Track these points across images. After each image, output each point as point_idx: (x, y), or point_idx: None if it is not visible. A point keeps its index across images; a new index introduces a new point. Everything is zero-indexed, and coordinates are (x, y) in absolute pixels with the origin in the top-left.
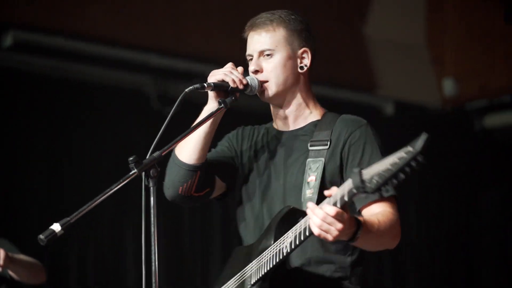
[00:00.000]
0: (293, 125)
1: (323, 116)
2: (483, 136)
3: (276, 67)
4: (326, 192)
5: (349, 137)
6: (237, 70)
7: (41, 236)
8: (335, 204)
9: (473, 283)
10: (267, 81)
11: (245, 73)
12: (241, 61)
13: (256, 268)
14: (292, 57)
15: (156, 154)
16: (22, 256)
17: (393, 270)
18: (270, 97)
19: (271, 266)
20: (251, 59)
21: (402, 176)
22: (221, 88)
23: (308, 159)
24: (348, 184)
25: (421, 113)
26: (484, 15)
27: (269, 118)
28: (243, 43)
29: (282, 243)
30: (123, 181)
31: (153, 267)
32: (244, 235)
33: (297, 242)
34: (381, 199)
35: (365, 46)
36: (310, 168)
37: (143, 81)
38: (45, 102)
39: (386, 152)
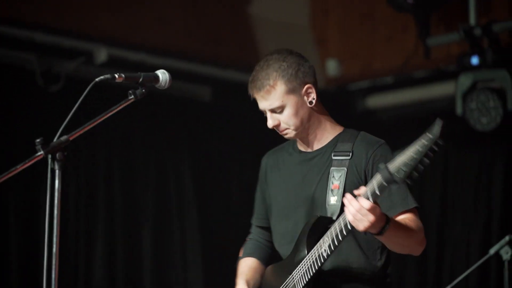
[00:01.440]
0: (316, 146)
1: (342, 132)
2: (365, 116)
3: (290, 117)
4: (356, 192)
5: (372, 154)
6: None
7: None
8: (368, 199)
9: None
10: (287, 129)
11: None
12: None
13: (298, 278)
14: (300, 100)
15: (63, 138)
16: None
17: None
18: (294, 137)
19: (314, 271)
20: (264, 114)
21: (426, 161)
22: (133, 79)
23: (332, 168)
24: (377, 179)
25: None
26: None
27: None
28: (127, 18)
29: (320, 248)
30: (28, 162)
31: (54, 249)
32: (281, 253)
33: (336, 243)
34: (407, 210)
35: (250, 26)
36: (333, 176)
37: (28, 58)
38: None
39: None
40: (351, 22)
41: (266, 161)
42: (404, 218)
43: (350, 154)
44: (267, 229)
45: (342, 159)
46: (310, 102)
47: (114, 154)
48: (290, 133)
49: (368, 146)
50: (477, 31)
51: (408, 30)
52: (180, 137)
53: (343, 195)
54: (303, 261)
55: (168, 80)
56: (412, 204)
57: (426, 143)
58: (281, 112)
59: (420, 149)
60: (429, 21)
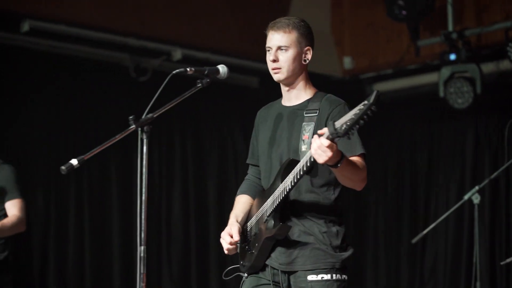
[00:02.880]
0: (294, 101)
1: (314, 95)
2: None
3: (289, 59)
4: (319, 131)
5: (332, 111)
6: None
7: (63, 167)
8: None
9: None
10: (280, 68)
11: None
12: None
13: (270, 204)
14: (300, 53)
15: (149, 115)
16: (4, 220)
17: None
18: (282, 79)
19: (279, 200)
20: (269, 50)
21: (362, 122)
22: (200, 72)
23: (303, 123)
24: (325, 133)
25: (328, 81)
26: (371, 9)
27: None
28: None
29: (285, 183)
30: (124, 133)
31: (143, 197)
32: (264, 185)
33: (296, 180)
34: (356, 155)
35: None
36: (304, 129)
37: (123, 57)
38: (50, 74)
39: None
40: (361, 28)
41: (259, 114)
42: (353, 159)
43: (317, 111)
44: (258, 166)
45: (311, 116)
46: (305, 61)
47: (187, 128)
48: (280, 74)
49: (330, 104)
50: (454, 35)
51: (403, 34)
52: (235, 116)
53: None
54: (274, 192)
55: (226, 72)
56: (360, 150)
57: (362, 107)
58: (285, 51)
59: (358, 112)
60: (418, 28)
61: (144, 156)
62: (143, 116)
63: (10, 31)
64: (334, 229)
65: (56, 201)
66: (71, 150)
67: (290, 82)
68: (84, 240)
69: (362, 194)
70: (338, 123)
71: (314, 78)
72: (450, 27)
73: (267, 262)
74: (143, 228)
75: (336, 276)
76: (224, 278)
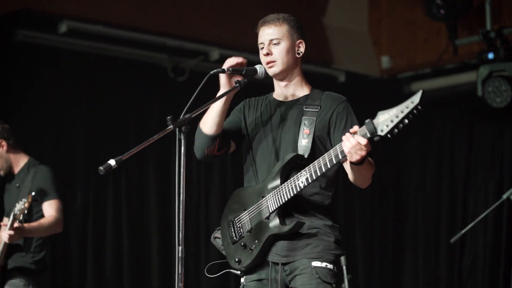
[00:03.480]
0: (290, 97)
1: (311, 91)
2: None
3: (282, 51)
4: (352, 130)
5: (336, 108)
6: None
7: (101, 168)
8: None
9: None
10: (274, 61)
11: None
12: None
13: (272, 201)
14: (292, 46)
15: (187, 115)
16: (41, 221)
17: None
18: (276, 73)
19: (289, 197)
20: (263, 47)
21: (406, 121)
22: (237, 72)
23: (303, 117)
24: (362, 131)
25: (366, 81)
26: (409, 8)
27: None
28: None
29: (295, 180)
30: (162, 133)
31: (181, 196)
32: (249, 181)
33: (314, 177)
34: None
35: (324, 32)
36: (305, 124)
37: (161, 57)
38: (88, 75)
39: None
40: (399, 28)
41: (246, 101)
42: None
43: (319, 107)
44: (226, 132)
45: (312, 111)
46: (298, 54)
47: None
48: (275, 67)
49: (333, 101)
50: (492, 34)
51: (441, 33)
52: None
53: (313, 139)
54: (277, 188)
55: (264, 73)
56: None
57: (409, 106)
58: (277, 44)
59: (403, 111)
60: (457, 27)
61: (182, 157)
62: (181, 117)
63: (48, 32)
64: (336, 225)
65: (95, 202)
66: (109, 150)
67: (285, 75)
68: (122, 240)
69: (401, 194)
70: (377, 122)
71: (351, 77)
72: (488, 26)
73: (268, 258)
74: (181, 228)
75: (334, 268)
76: (208, 274)
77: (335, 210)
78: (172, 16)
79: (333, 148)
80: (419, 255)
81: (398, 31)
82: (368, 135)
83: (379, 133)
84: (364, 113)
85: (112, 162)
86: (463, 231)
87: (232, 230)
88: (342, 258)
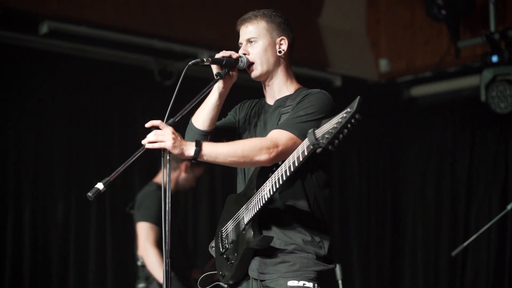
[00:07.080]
0: (278, 98)
1: (295, 91)
2: (409, 102)
3: (259, 50)
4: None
5: (299, 101)
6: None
7: (89, 194)
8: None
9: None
10: (253, 63)
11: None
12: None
13: (246, 212)
14: (272, 44)
15: (170, 120)
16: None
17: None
18: (258, 75)
19: (257, 209)
20: (240, 47)
21: (345, 131)
22: (217, 62)
23: (280, 120)
24: (305, 142)
25: (363, 85)
26: (408, 8)
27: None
28: (223, 29)
29: (262, 190)
30: (139, 151)
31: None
32: (238, 184)
33: (275, 188)
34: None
35: (320, 33)
36: None
37: (148, 60)
38: (71, 78)
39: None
40: (397, 29)
41: (242, 103)
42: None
43: (293, 108)
44: (219, 130)
45: (287, 112)
46: (279, 52)
47: None
48: (256, 70)
49: (302, 95)
50: (496, 36)
51: (442, 35)
52: None
53: None
54: (251, 198)
55: (246, 62)
56: (288, 128)
57: (345, 115)
58: (254, 44)
59: (341, 120)
60: (459, 28)
61: (168, 164)
62: (164, 120)
63: (28, 33)
64: (317, 238)
65: (76, 211)
66: (93, 156)
67: (267, 76)
68: (106, 251)
69: (399, 204)
70: (318, 132)
71: (348, 82)
72: (492, 27)
73: (249, 273)
74: (167, 241)
75: (315, 286)
76: (200, 287)
77: (317, 223)
78: (159, 17)
79: (276, 171)
80: (419, 269)
81: (397, 32)
82: (311, 146)
83: (321, 145)
84: (361, 120)
85: (100, 185)
86: (465, 244)
87: (219, 241)
88: (338, 271)
